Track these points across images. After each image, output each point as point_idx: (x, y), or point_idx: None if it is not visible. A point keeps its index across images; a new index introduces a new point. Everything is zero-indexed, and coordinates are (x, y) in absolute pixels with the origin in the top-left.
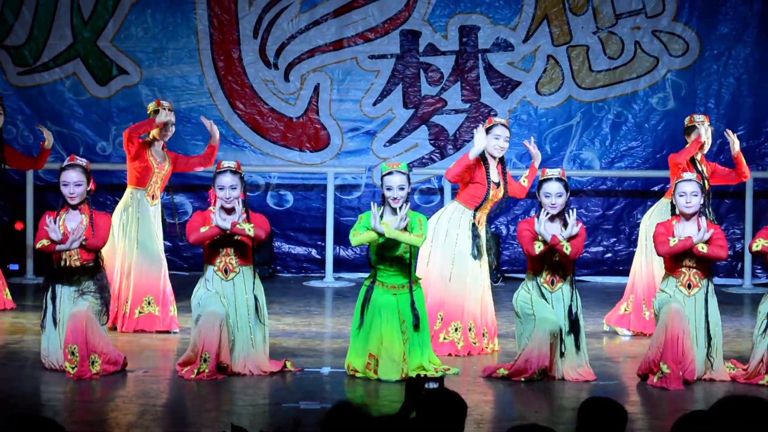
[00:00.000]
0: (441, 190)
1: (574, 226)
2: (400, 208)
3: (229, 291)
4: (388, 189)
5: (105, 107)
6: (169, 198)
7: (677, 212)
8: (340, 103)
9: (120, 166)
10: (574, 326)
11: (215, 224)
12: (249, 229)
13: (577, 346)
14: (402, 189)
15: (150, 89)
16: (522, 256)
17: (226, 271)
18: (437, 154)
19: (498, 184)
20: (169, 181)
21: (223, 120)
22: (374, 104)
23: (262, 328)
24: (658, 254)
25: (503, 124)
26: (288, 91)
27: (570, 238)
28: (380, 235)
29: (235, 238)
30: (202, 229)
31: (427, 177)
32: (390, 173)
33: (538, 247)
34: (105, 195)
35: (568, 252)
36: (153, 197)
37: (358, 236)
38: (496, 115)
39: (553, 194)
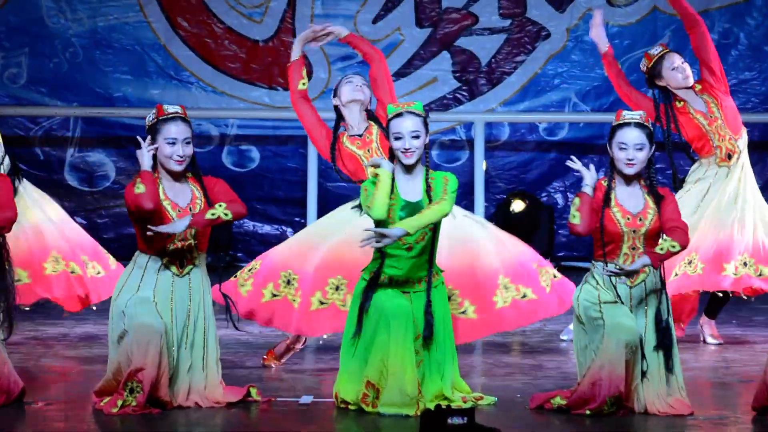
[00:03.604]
0: (470, 143)
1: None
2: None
3: (183, 292)
4: (397, 138)
5: None
6: None
7: None
8: (326, 21)
9: (11, 110)
10: (664, 339)
11: (171, 228)
12: (224, 213)
13: (668, 368)
14: (417, 137)
15: (53, 1)
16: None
17: (182, 264)
18: (464, 92)
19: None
20: None
21: (160, 44)
22: (374, 22)
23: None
24: None
25: None
26: (251, 4)
27: (655, 235)
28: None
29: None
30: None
31: (451, 125)
32: (399, 115)
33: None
34: None
35: (677, 249)
36: None
37: (375, 198)
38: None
39: (631, 146)
